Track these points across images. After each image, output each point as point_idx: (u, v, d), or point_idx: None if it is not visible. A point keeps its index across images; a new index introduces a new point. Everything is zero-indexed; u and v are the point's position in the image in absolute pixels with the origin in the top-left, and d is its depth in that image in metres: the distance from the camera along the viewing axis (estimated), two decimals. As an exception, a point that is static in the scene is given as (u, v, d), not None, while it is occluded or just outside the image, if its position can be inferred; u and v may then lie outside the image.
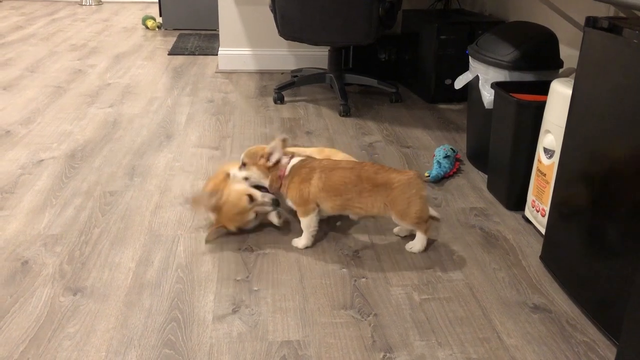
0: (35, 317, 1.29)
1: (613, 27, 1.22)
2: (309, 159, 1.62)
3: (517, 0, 2.74)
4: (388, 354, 1.21)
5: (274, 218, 1.66)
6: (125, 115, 2.59)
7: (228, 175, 1.66)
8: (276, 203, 1.62)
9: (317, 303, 1.37)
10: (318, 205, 1.56)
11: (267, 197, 1.61)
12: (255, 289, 1.41)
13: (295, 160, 1.59)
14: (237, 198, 1.59)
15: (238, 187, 1.61)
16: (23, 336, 1.23)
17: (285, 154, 1.61)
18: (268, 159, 1.58)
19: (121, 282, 1.42)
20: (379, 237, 1.65)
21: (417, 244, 1.58)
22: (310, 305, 1.36)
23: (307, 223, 1.57)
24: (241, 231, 1.64)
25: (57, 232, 1.63)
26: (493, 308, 1.37)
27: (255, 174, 1.60)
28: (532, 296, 1.42)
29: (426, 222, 1.56)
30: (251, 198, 1.59)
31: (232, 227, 1.61)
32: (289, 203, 1.60)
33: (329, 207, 1.56)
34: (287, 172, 1.58)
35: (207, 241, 1.60)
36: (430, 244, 1.62)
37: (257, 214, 1.62)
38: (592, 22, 1.29)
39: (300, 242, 1.59)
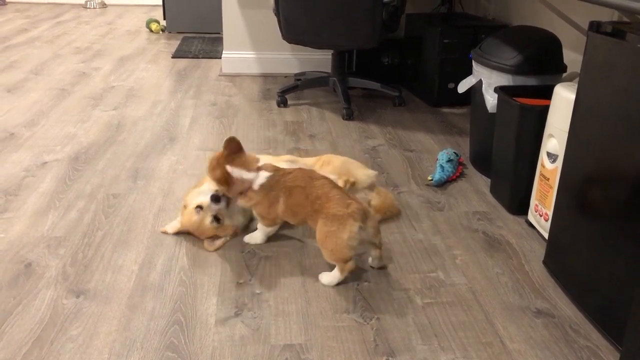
0: (38, 319, 1.29)
1: (617, 31, 1.22)
2: (275, 174, 1.55)
3: (521, 5, 2.74)
4: (390, 358, 1.21)
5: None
6: (129, 118, 2.59)
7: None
8: (216, 199, 1.59)
9: (320, 306, 1.37)
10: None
11: (213, 206, 1.59)
12: (258, 292, 1.41)
13: (264, 176, 1.53)
14: (189, 214, 1.61)
15: (193, 201, 1.61)
16: (26, 338, 1.23)
17: (249, 164, 1.56)
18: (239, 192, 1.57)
19: (124, 285, 1.42)
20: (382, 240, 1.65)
21: (327, 276, 1.46)
22: (313, 309, 1.36)
23: (268, 231, 1.62)
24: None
25: (60, 234, 1.63)
26: (496, 312, 1.37)
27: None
28: (535, 301, 1.41)
29: (345, 262, 1.42)
30: (200, 207, 1.59)
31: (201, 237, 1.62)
32: (254, 211, 1.60)
33: (292, 222, 1.57)
34: (256, 187, 1.53)
35: (163, 231, 1.65)
36: (432, 247, 1.62)
37: (214, 217, 1.59)
38: (595, 27, 1.29)
39: (257, 238, 1.62)
